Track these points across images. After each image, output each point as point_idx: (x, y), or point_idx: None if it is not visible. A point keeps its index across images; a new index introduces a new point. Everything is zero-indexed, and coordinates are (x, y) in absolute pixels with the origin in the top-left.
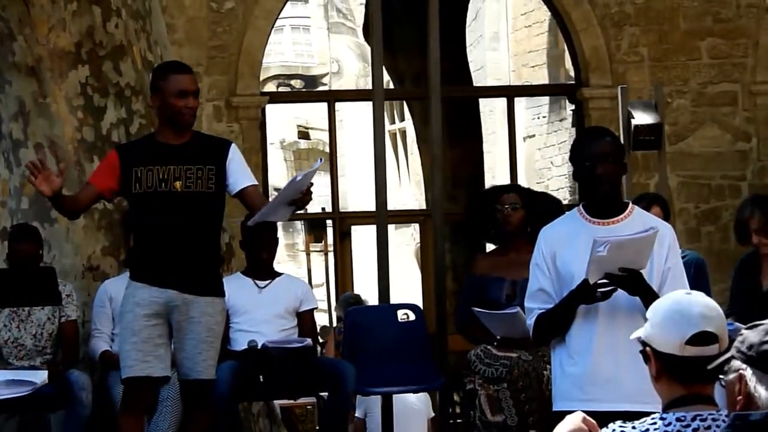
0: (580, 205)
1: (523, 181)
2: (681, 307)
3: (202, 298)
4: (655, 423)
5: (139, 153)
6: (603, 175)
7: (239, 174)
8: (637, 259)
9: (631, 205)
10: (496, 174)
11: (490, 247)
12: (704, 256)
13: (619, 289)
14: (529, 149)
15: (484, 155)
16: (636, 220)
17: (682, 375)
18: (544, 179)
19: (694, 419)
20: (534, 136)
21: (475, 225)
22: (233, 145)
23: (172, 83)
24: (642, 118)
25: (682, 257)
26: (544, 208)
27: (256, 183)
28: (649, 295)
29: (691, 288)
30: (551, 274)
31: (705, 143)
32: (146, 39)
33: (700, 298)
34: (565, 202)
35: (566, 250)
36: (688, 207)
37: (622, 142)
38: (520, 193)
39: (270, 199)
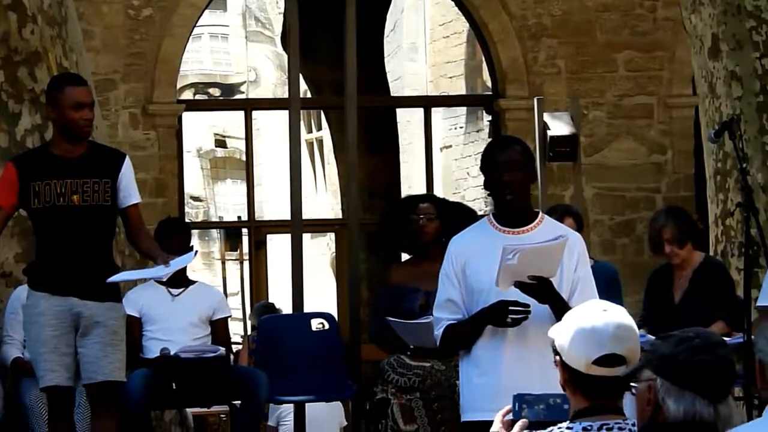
0: (490, 215)
1: (439, 191)
2: (595, 325)
3: (102, 303)
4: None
5: (36, 167)
6: (510, 182)
7: (128, 190)
8: (547, 267)
9: (541, 214)
10: (412, 184)
11: (405, 257)
12: (619, 268)
13: (529, 297)
14: (446, 160)
15: (400, 165)
16: (545, 229)
17: (587, 390)
18: (460, 190)
19: (600, 428)
20: (451, 146)
21: (391, 235)
22: (127, 159)
23: (68, 95)
24: (558, 129)
25: (595, 268)
26: (459, 218)
27: (140, 200)
28: (558, 304)
29: (602, 298)
30: (460, 285)
31: (621, 155)
32: (62, 45)
33: (616, 316)
34: (480, 213)
35: (476, 259)
36: (602, 219)
37: (537, 153)
38: (435, 204)
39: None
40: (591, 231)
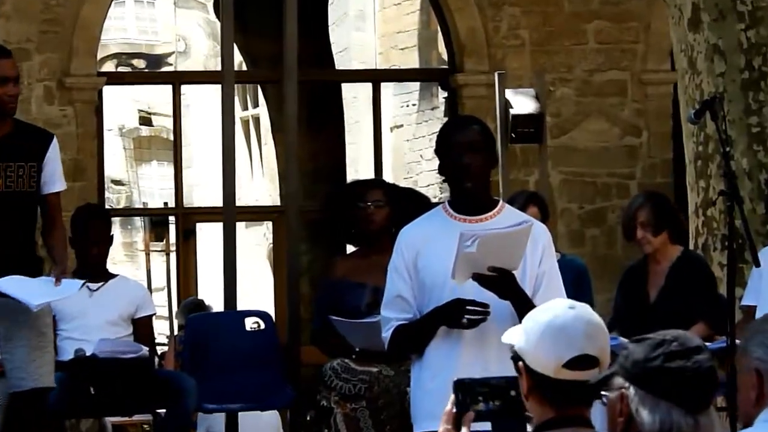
0: (446, 202)
1: (389, 175)
2: (563, 323)
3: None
4: None
5: None
6: (469, 166)
7: (52, 175)
8: (509, 258)
9: (501, 202)
10: (359, 167)
11: (351, 248)
12: (588, 262)
13: (488, 292)
14: (397, 141)
15: (346, 147)
16: (507, 218)
17: (556, 398)
18: (412, 174)
19: None
20: (402, 126)
21: (334, 224)
22: (54, 140)
23: None
24: (521, 107)
25: (563, 262)
26: (412, 205)
27: (63, 188)
28: (522, 300)
29: (570, 296)
30: (411, 280)
31: (591, 137)
32: None
33: (584, 313)
34: (434, 200)
35: (429, 251)
36: (571, 207)
37: (498, 134)
38: (384, 189)
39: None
40: (558, 221)
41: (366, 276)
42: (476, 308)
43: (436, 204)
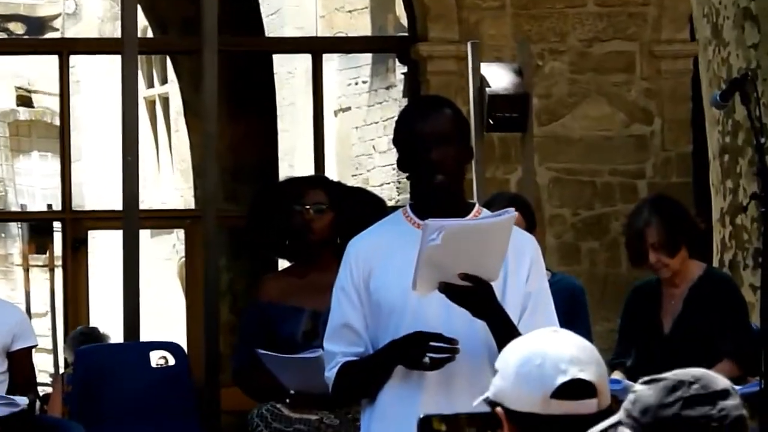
0: (407, 206)
1: (333, 172)
2: (543, 347)
3: None
4: None
5: None
6: (438, 162)
7: None
8: (486, 262)
9: (477, 207)
10: (294, 161)
11: (284, 264)
12: (585, 282)
13: (458, 314)
14: (343, 127)
15: (278, 135)
16: None
17: None
18: (362, 170)
19: None
20: (349, 109)
21: (263, 233)
22: None
23: None
24: (500, 86)
25: (553, 282)
26: (362, 210)
27: None
28: (501, 321)
29: (564, 325)
30: (362, 304)
31: (589, 125)
32: None
33: (569, 336)
34: (391, 203)
35: (385, 268)
36: (563, 213)
37: (472, 119)
38: (327, 190)
39: None
40: (546, 231)
41: (303, 299)
42: (442, 344)
43: (394, 208)
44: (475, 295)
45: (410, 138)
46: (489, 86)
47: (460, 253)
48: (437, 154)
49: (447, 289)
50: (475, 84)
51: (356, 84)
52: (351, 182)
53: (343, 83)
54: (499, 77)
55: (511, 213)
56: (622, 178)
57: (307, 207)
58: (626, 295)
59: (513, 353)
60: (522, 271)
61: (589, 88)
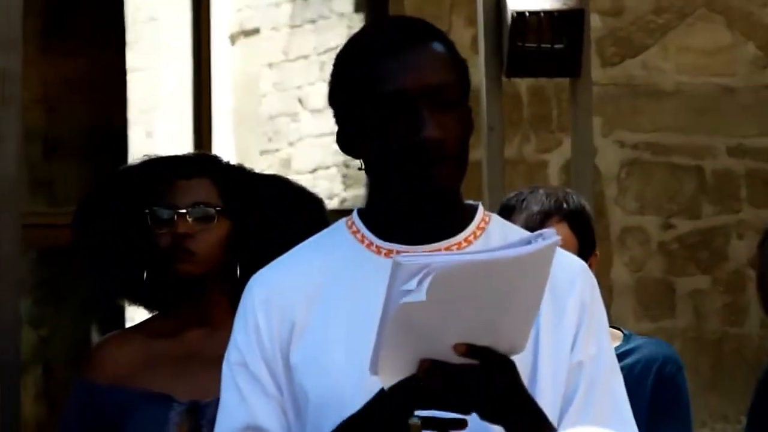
0: (354, 213)
1: (227, 145)
2: None
3: None
4: None
5: None
6: (437, 142)
7: None
8: (507, 323)
9: (482, 212)
10: (156, 126)
11: (139, 315)
12: (684, 351)
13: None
14: (247, 66)
15: (127, 79)
16: (496, 240)
17: None
18: (280, 143)
19: None
20: (258, 32)
21: (100, 258)
22: None
23: None
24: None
25: (626, 351)
26: (281, 218)
27: None
28: (528, 424)
29: (641, 421)
30: (279, 385)
31: (693, 66)
32: None
33: None
34: (332, 204)
35: (318, 327)
36: (644, 225)
37: (482, 57)
38: (216, 181)
39: None
40: (616, 255)
41: (172, 380)
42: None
43: (337, 212)
44: (486, 382)
45: (364, 90)
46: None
47: (459, 310)
48: (434, 128)
49: (434, 372)
50: None
51: None
52: (261, 165)
53: None
54: None
55: (553, 237)
56: (752, 161)
57: (181, 211)
58: (760, 372)
59: None
60: (566, 326)
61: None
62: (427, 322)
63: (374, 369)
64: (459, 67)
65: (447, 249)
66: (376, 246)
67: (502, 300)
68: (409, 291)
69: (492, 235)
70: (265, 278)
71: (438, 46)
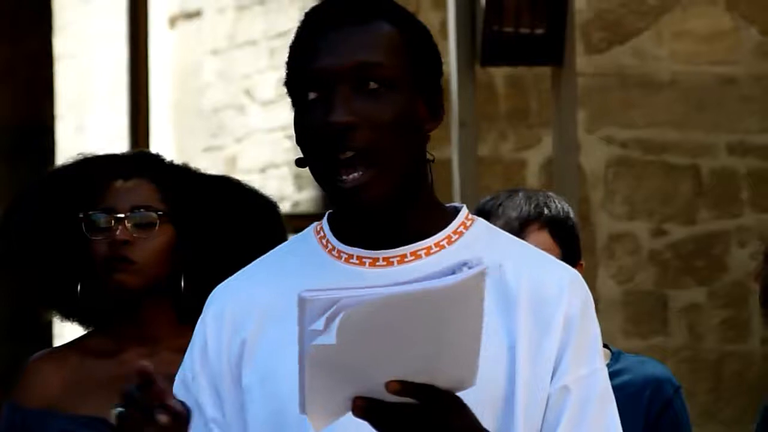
0: (324, 218)
1: (167, 141)
2: None
3: None
4: None
5: None
6: (342, 131)
7: None
8: (446, 355)
9: (464, 215)
10: (87, 119)
11: (71, 332)
12: (681, 372)
13: None
14: (188, 51)
15: (53, 65)
16: (475, 247)
17: None
18: (226, 138)
19: None
20: (199, 14)
21: (28, 269)
22: None
23: None
24: None
25: (617, 371)
26: (230, 225)
27: None
28: None
29: None
30: (221, 407)
31: (688, 52)
32: None
33: None
34: (284, 207)
35: (273, 339)
36: (635, 231)
37: (452, 42)
38: (157, 181)
39: None
40: (602, 266)
41: (108, 402)
42: None
43: (296, 218)
44: (423, 419)
45: (298, 76)
46: None
47: (382, 347)
48: (342, 112)
49: (370, 412)
50: None
51: None
52: (204, 164)
53: None
54: None
55: (479, 266)
56: (755, 160)
57: (119, 216)
58: (765, 397)
59: None
60: (549, 345)
61: None
62: (352, 360)
63: (302, 409)
64: (409, 48)
65: (413, 253)
66: (338, 250)
67: (433, 335)
68: (318, 331)
69: (474, 239)
70: (222, 290)
71: (381, 25)
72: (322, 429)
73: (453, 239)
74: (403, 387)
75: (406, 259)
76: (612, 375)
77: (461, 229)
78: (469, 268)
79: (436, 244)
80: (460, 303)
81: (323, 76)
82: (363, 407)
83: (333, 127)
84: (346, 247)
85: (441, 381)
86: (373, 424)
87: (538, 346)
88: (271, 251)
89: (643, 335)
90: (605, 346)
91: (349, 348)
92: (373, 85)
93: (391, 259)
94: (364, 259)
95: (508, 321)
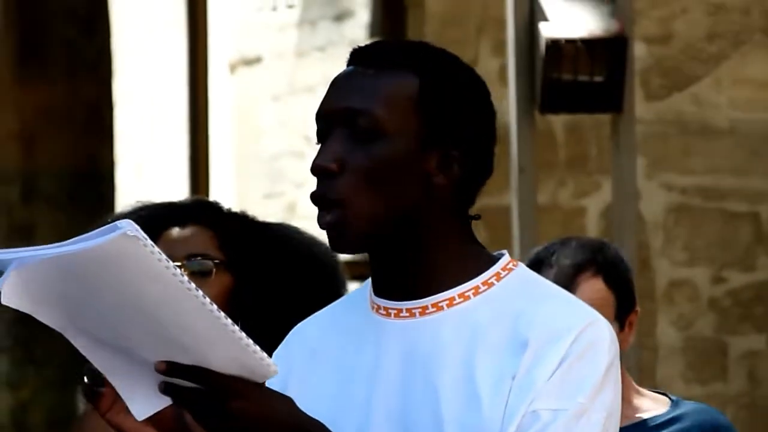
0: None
1: (227, 186)
2: None
3: None
4: None
5: None
6: (318, 173)
7: None
8: (191, 336)
9: (505, 261)
10: (145, 167)
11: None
12: (740, 420)
13: None
14: (247, 97)
15: (113, 113)
16: (512, 296)
17: None
18: (285, 184)
19: None
20: (260, 60)
21: None
22: None
23: None
24: (571, 21)
25: (672, 418)
26: (288, 273)
27: None
28: None
29: None
30: None
31: (749, 100)
32: None
33: None
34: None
35: (309, 377)
36: (694, 279)
37: (509, 85)
38: (216, 229)
39: None
40: (662, 313)
41: None
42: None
43: (364, 267)
44: (214, 403)
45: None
46: (546, 20)
47: (87, 311)
48: (323, 156)
49: (172, 376)
50: (518, 17)
51: (273, 9)
52: (265, 210)
53: (247, 6)
54: (567, 5)
55: (121, 230)
56: None
57: (176, 264)
58: None
59: None
60: (536, 374)
61: (752, 24)
62: (88, 327)
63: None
64: (426, 101)
65: (434, 305)
66: (371, 301)
67: (121, 300)
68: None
69: (502, 289)
70: (292, 333)
71: (398, 74)
72: (142, 416)
73: (480, 290)
74: (170, 367)
75: (427, 311)
76: (670, 421)
77: (493, 280)
78: (117, 229)
79: (461, 295)
80: (113, 265)
81: (320, 118)
82: (163, 370)
83: (314, 169)
84: (377, 298)
85: (214, 365)
86: (189, 410)
87: (527, 373)
88: (345, 296)
89: (703, 382)
90: (664, 393)
91: (53, 311)
92: (361, 131)
93: (413, 311)
94: (389, 310)
95: (513, 365)
